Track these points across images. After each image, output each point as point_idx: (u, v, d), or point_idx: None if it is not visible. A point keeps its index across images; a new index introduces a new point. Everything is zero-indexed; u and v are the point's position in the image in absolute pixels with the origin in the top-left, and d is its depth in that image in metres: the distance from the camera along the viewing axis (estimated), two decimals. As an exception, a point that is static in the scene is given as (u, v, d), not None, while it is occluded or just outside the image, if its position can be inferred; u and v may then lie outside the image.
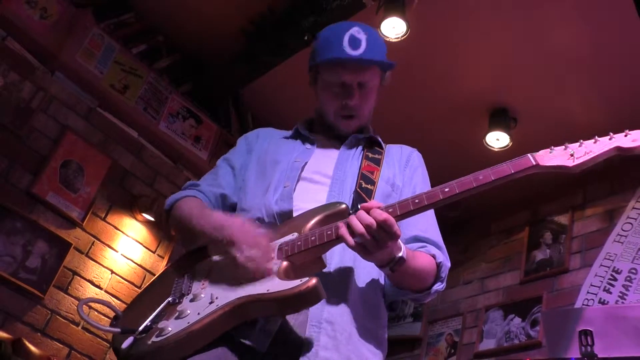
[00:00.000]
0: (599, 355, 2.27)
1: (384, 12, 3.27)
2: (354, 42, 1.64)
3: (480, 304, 4.13)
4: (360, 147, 1.70)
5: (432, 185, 1.71)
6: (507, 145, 3.85)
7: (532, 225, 4.17)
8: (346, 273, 1.44)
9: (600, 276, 3.50)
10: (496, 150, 3.88)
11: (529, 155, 1.29)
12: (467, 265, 4.43)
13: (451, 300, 4.34)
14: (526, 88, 3.72)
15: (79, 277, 3.38)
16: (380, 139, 1.75)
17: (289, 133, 1.79)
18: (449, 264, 1.54)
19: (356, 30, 1.66)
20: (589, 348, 2.27)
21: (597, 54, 3.42)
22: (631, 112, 3.54)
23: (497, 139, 3.87)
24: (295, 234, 1.39)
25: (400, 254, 1.34)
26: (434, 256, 1.49)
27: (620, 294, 3.34)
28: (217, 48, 4.09)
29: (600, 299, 3.41)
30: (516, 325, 3.74)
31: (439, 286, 1.50)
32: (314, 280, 1.23)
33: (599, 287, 3.46)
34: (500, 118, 3.85)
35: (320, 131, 1.76)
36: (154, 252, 3.75)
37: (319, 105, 1.75)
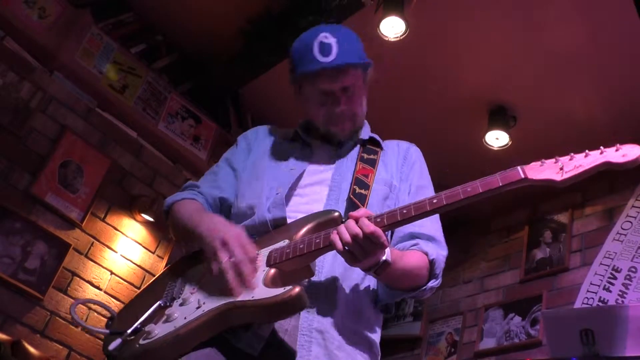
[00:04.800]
0: (601, 355, 2.27)
1: (382, 12, 3.27)
2: (324, 49, 1.58)
3: (480, 303, 4.12)
4: (356, 149, 1.68)
5: (433, 182, 1.71)
6: (507, 144, 3.84)
7: (532, 224, 4.17)
8: (336, 281, 1.43)
9: (600, 275, 3.50)
10: (496, 149, 3.87)
11: (518, 168, 1.27)
12: (467, 264, 4.43)
13: (451, 300, 4.34)
14: (525, 86, 3.71)
15: (78, 278, 3.37)
16: (377, 137, 1.72)
17: (289, 133, 1.76)
18: (444, 254, 1.52)
19: (324, 36, 1.59)
20: (590, 347, 2.27)
21: (597, 52, 3.41)
22: (631, 110, 3.53)
23: (497, 138, 3.86)
24: (286, 241, 1.39)
25: (383, 258, 1.32)
26: (426, 253, 1.47)
27: (620, 293, 3.34)
28: (216, 47, 4.08)
29: (600, 297, 3.41)
30: (516, 324, 3.74)
31: (433, 283, 1.48)
32: (297, 289, 1.23)
33: (599, 285, 3.46)
34: (499, 117, 3.84)
35: (317, 135, 1.73)
36: (153, 253, 3.74)
37: (307, 116, 1.71)
